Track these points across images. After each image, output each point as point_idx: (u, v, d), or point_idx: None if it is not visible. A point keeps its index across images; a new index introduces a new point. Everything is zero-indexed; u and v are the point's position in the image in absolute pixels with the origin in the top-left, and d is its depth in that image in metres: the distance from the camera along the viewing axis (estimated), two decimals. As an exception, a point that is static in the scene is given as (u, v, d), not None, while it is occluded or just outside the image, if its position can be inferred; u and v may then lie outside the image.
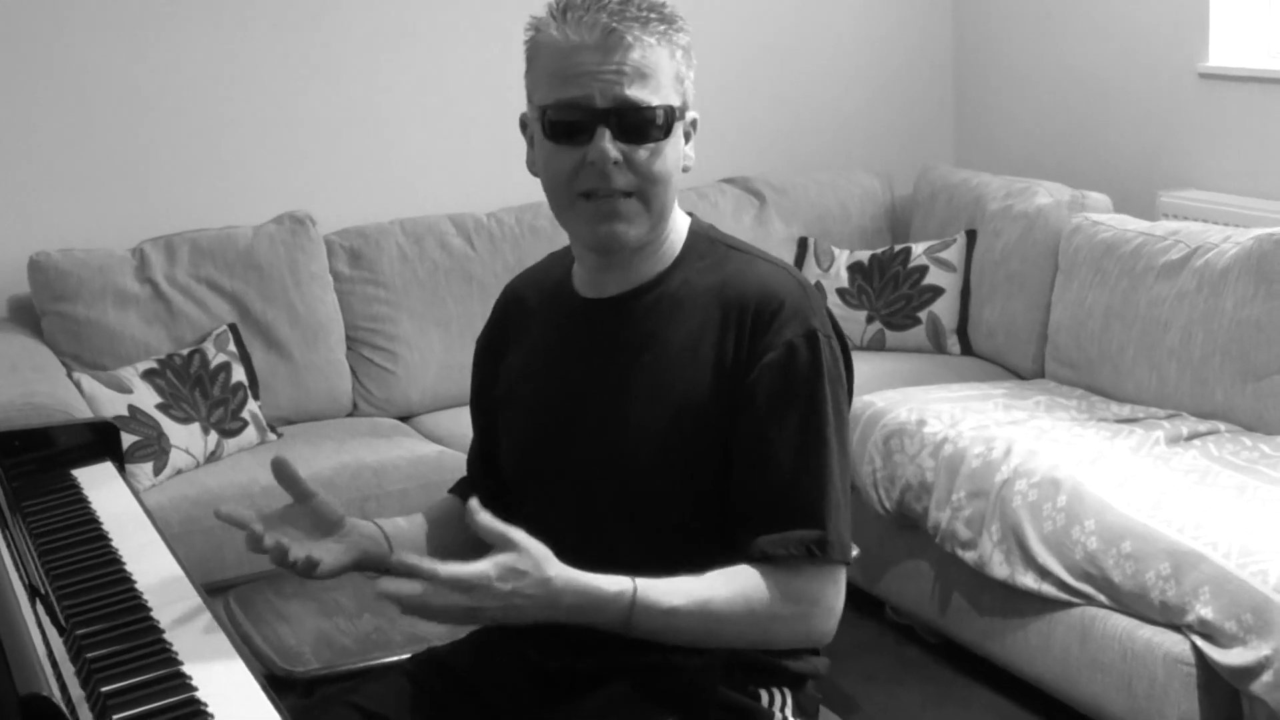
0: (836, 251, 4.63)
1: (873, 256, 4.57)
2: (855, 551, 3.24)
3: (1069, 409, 3.77)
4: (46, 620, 1.73)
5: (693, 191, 4.66)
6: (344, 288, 4.25)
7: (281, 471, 2.01)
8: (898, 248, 4.56)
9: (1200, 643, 2.90)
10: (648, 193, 1.86)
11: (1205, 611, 2.87)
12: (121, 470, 2.62)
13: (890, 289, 4.49)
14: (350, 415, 4.24)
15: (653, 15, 1.84)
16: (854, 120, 5.15)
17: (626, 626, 1.78)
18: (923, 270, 4.46)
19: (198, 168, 4.31)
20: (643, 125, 1.84)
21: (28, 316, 4.07)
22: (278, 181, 4.37)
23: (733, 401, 1.84)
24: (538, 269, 2.14)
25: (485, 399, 2.13)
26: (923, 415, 3.67)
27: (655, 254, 1.92)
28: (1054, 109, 4.91)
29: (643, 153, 1.84)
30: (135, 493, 2.50)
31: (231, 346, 4.01)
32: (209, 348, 3.97)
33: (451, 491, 2.25)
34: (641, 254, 1.92)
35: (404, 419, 4.25)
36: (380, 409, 4.25)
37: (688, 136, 1.90)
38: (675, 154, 1.88)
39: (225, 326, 4.05)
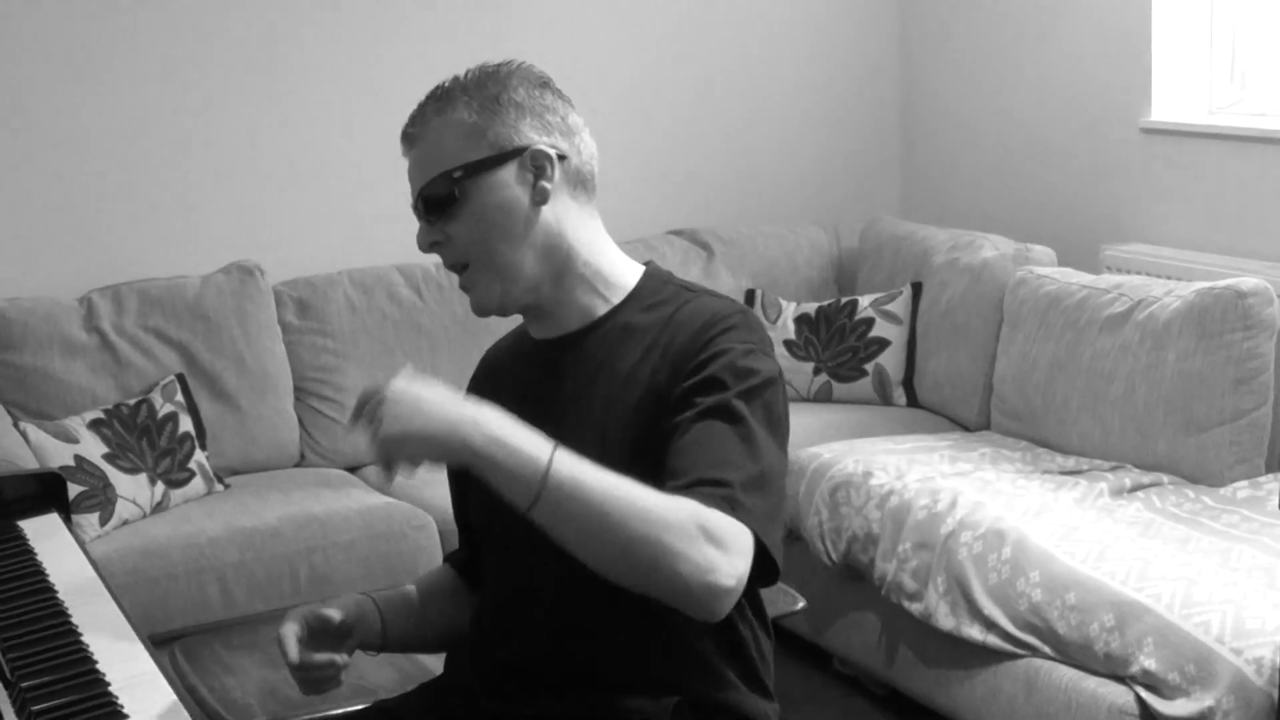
0: (784, 303, 4.66)
1: (819, 309, 4.60)
2: (801, 604, 3.29)
3: (1014, 460, 3.80)
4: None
5: (640, 243, 4.68)
6: (292, 338, 4.25)
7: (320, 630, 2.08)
8: (844, 300, 4.59)
9: (1144, 694, 2.92)
10: (475, 257, 1.90)
11: (1149, 663, 2.90)
12: (68, 521, 2.61)
13: (837, 341, 4.53)
14: (297, 465, 4.23)
15: (429, 106, 1.92)
16: (801, 172, 5.20)
17: (539, 481, 1.67)
18: (869, 322, 4.50)
19: (146, 216, 4.30)
20: (433, 202, 1.89)
21: (-27, 365, 4.05)
22: (227, 230, 4.37)
23: (670, 408, 1.82)
24: (510, 334, 2.14)
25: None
26: (869, 467, 3.69)
27: (588, 295, 1.94)
28: (999, 162, 4.97)
29: (451, 226, 1.89)
30: (81, 544, 2.48)
31: (179, 396, 4.00)
32: (156, 398, 3.95)
33: (446, 560, 2.27)
34: (565, 299, 1.93)
35: (352, 470, 4.24)
36: (328, 459, 4.24)
37: (540, 171, 1.89)
38: (484, 207, 1.88)
39: (173, 376, 4.04)
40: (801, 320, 4.59)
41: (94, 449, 3.74)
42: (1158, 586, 3.00)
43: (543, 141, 1.89)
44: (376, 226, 4.52)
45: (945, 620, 3.32)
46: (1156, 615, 2.92)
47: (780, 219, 5.04)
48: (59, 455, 3.66)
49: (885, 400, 4.46)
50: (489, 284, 1.90)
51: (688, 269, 4.67)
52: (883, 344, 4.47)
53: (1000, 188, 4.97)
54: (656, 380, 1.85)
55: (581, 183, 1.93)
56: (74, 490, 3.61)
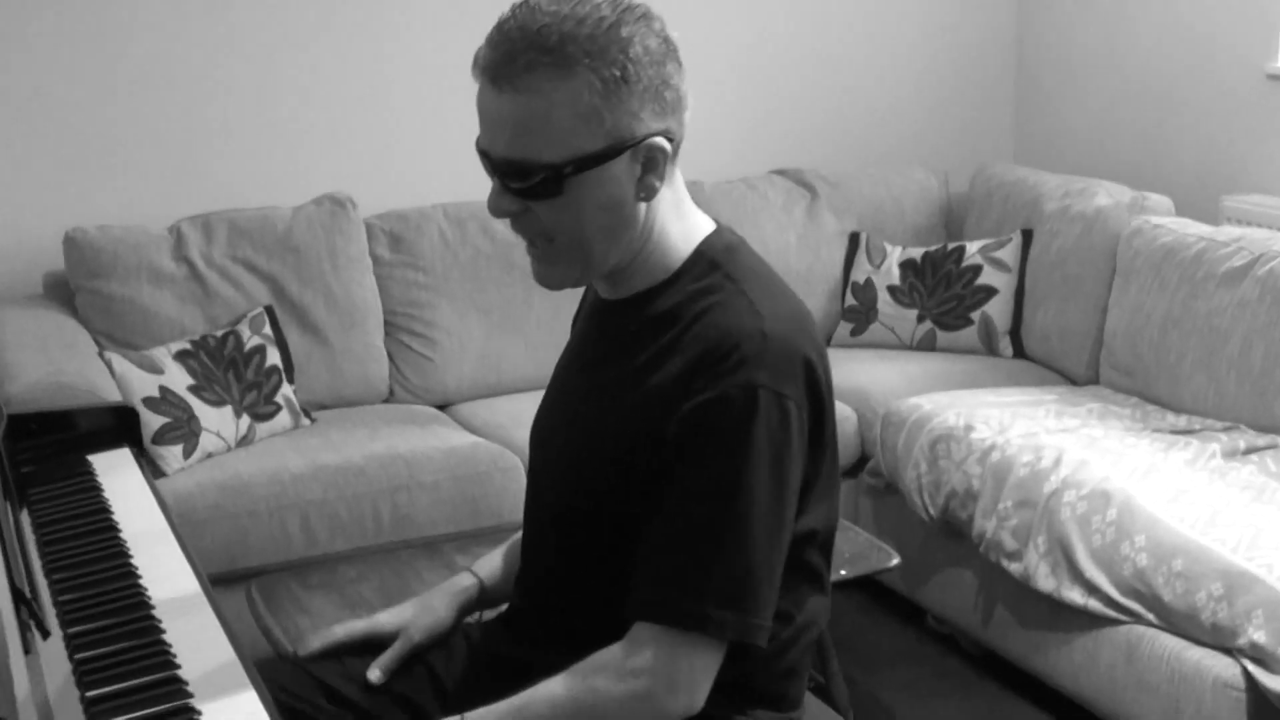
0: (889, 248, 4.51)
1: (925, 254, 4.45)
2: (895, 560, 3.18)
3: (1122, 418, 3.65)
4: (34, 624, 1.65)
5: (742, 182, 4.56)
6: (383, 272, 4.17)
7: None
8: (951, 246, 4.44)
9: (1251, 668, 2.78)
10: (559, 244, 1.73)
11: (1258, 635, 2.76)
12: (140, 456, 2.55)
13: (943, 288, 4.38)
14: (386, 402, 4.17)
15: (544, 60, 1.61)
16: (911, 114, 5.04)
17: None
18: (976, 270, 4.34)
19: (238, 146, 4.25)
20: (527, 184, 1.67)
21: (62, 293, 4.01)
22: (319, 162, 4.29)
23: (662, 438, 1.70)
24: None
25: None
26: (970, 420, 3.56)
27: (642, 269, 1.78)
28: (1116, 108, 4.77)
29: (541, 208, 1.69)
30: (151, 481, 2.42)
31: (267, 329, 3.94)
32: (244, 330, 3.90)
33: None
34: (628, 271, 1.78)
35: (441, 407, 4.17)
36: (417, 396, 4.17)
37: (650, 164, 1.68)
38: (588, 202, 1.67)
39: (261, 309, 3.98)
40: (906, 265, 4.45)
41: (179, 380, 3.69)
42: (1270, 556, 2.85)
43: (659, 128, 1.68)
44: (472, 159, 4.39)
45: (1045, 582, 3.19)
46: (1268, 586, 2.78)
47: (888, 162, 4.89)
48: (143, 386, 3.62)
49: (991, 351, 4.31)
50: (568, 267, 1.76)
51: (791, 210, 4.54)
52: (990, 292, 4.32)
53: (1116, 134, 4.78)
54: (657, 398, 1.71)
55: (676, 155, 1.74)
56: (157, 422, 3.58)
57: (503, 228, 4.26)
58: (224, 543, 3.44)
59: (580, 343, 1.94)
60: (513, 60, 1.63)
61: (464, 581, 2.09)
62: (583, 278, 1.79)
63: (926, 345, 4.38)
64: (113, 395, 3.42)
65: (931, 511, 3.57)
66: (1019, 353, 4.31)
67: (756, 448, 1.65)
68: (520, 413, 3.85)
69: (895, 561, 3.17)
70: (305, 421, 3.93)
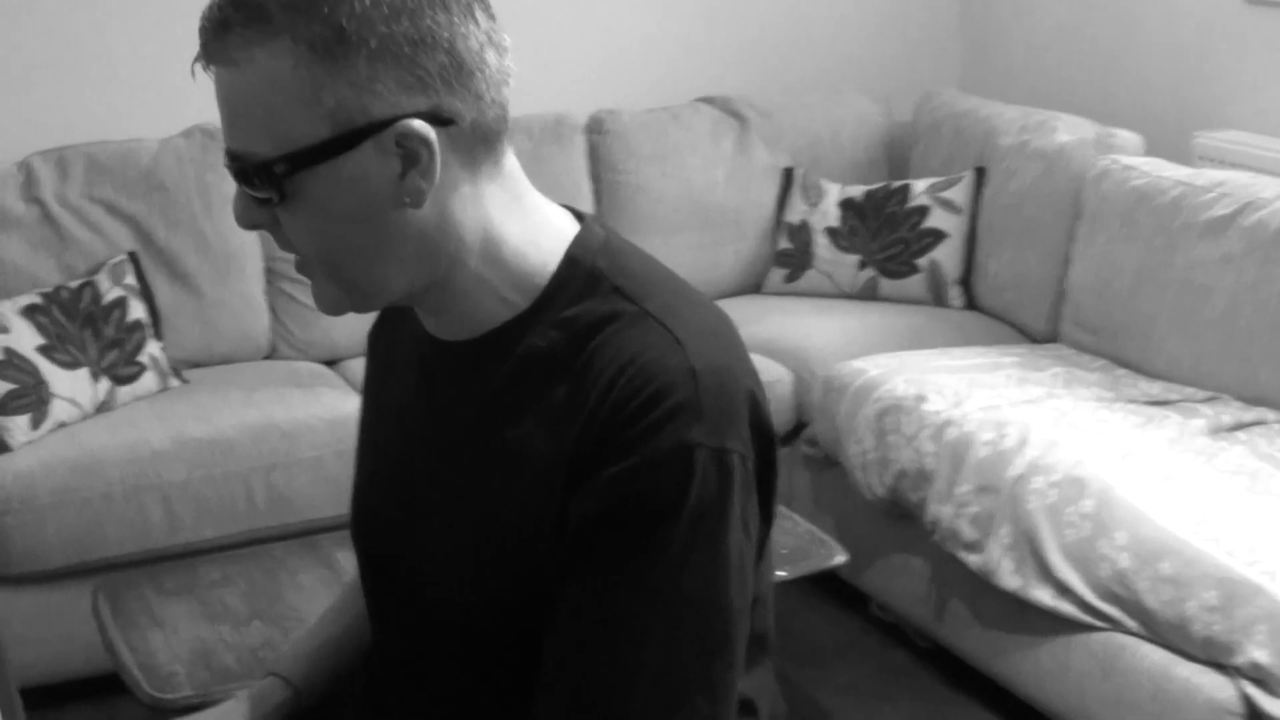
0: (826, 185, 4.10)
1: (868, 193, 4.04)
2: (840, 558, 2.80)
3: (1090, 385, 3.27)
4: None
5: (664, 111, 4.12)
6: (263, 213, 3.71)
7: None
8: (896, 184, 4.03)
9: (1251, 690, 2.43)
10: (311, 265, 1.28)
11: (1259, 654, 2.41)
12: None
13: (886, 230, 3.97)
14: (268, 358, 3.72)
15: (238, 20, 1.19)
16: (849, 35, 4.58)
17: None
18: (923, 211, 3.94)
19: (98, 71, 3.75)
20: (247, 184, 1.24)
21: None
22: (187, 90, 3.79)
23: (563, 525, 1.26)
24: None
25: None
26: (922, 389, 3.17)
27: (475, 296, 1.30)
28: (1078, 31, 4.34)
29: (280, 215, 1.24)
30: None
31: (130, 279, 3.48)
32: (103, 280, 3.43)
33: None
34: (452, 304, 1.31)
35: (330, 363, 3.74)
36: (301, 352, 3.72)
37: (410, 158, 1.21)
38: (319, 215, 1.23)
39: (124, 255, 3.51)
40: (846, 206, 4.04)
41: (27, 340, 3.23)
42: (1272, 561, 2.50)
43: (416, 106, 1.20)
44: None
45: (1009, 579, 2.82)
46: (1270, 598, 2.43)
47: (825, 88, 4.44)
48: (-17, 347, 3.16)
49: (939, 301, 3.92)
50: (329, 289, 1.29)
51: (719, 142, 4.11)
52: (938, 236, 3.92)
53: (1079, 61, 4.35)
54: (549, 473, 1.27)
55: (483, 141, 1.25)
56: (1, 389, 3.13)
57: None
58: (72, 531, 3.01)
59: (411, 399, 1.42)
60: (220, 26, 1.21)
61: (272, 696, 1.58)
62: (361, 304, 1.31)
63: (868, 294, 3.98)
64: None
65: (878, 491, 3.18)
66: (970, 304, 3.92)
67: (689, 528, 1.22)
68: None
69: (840, 559, 2.78)
70: (174, 383, 3.48)
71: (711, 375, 1.24)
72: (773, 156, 4.17)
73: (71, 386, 3.25)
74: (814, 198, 4.09)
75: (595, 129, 4.06)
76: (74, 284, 3.40)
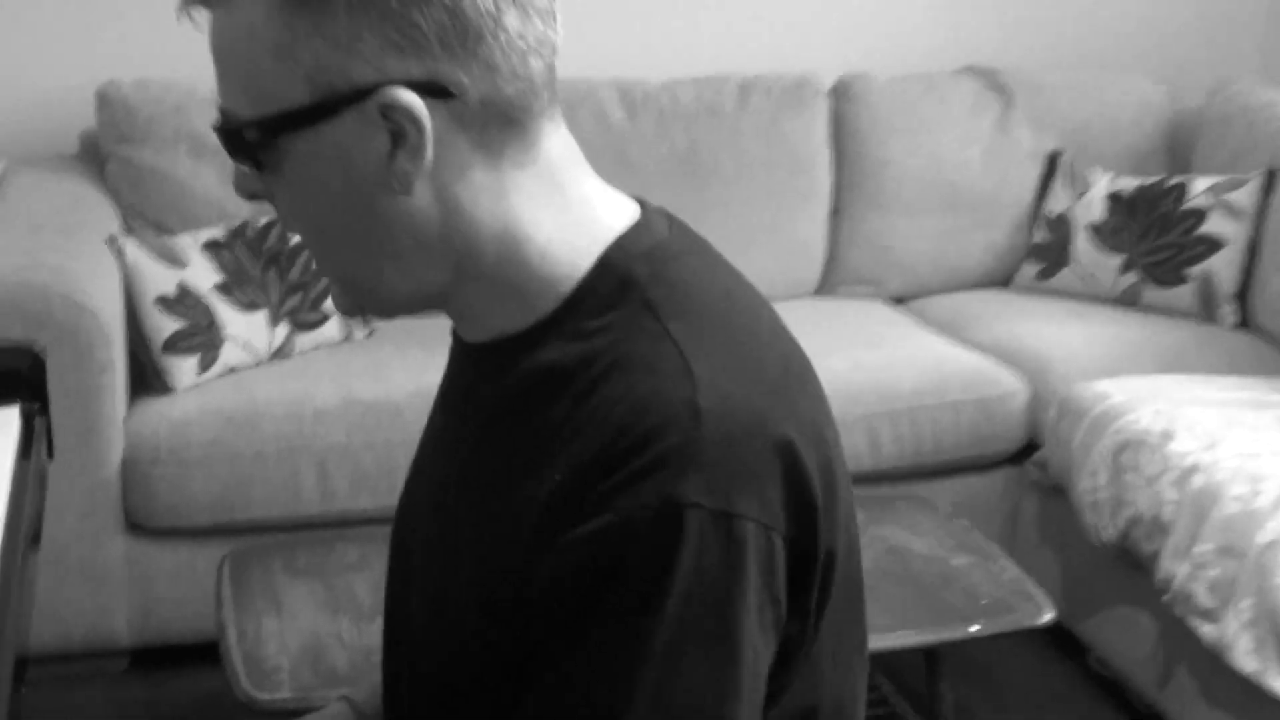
0: (1095, 175, 3.67)
1: (1140, 187, 3.60)
2: (1048, 616, 2.43)
3: (1375, 436, 2.81)
4: None
5: (920, 80, 3.73)
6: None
7: None
8: (1173, 180, 3.58)
9: None
10: (308, 244, 1.08)
11: None
12: (34, 419, 1.91)
13: (1156, 232, 3.53)
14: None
15: None
16: (1135, 9, 4.11)
17: None
18: (1201, 214, 3.49)
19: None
20: (226, 146, 1.03)
21: (97, 156, 3.39)
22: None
23: (529, 586, 0.98)
24: None
25: None
26: (1171, 425, 2.76)
27: (490, 295, 1.05)
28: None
29: (269, 183, 1.03)
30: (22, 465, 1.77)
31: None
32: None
33: None
34: (469, 307, 1.07)
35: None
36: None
37: (398, 136, 0.98)
38: (302, 191, 1.02)
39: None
40: (1115, 200, 3.61)
41: (204, 278, 3.05)
42: None
43: (405, 72, 0.97)
44: (586, 32, 3.66)
45: (1245, 660, 2.41)
46: None
47: (1103, 66, 4.00)
48: (158, 283, 2.99)
49: (1208, 317, 3.47)
50: (336, 290, 1.09)
51: (978, 118, 3.72)
52: (1215, 245, 3.46)
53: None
54: (528, 517, 0.98)
55: (501, 120, 1.00)
56: (170, 327, 2.97)
57: (621, 112, 3.53)
58: (220, 487, 2.82)
59: (442, 402, 1.21)
60: None
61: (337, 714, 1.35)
62: (371, 306, 1.09)
63: (1129, 301, 3.55)
64: (104, 296, 2.79)
65: (1108, 535, 2.79)
66: (1244, 323, 3.46)
67: (676, 616, 0.92)
68: None
69: (1048, 617, 2.41)
70: (359, 334, 3.27)
71: (724, 417, 0.95)
72: (1037, 138, 3.76)
73: (247, 329, 3.07)
74: (1080, 187, 3.67)
75: (841, 94, 3.70)
76: (263, 220, 3.20)
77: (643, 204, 1.11)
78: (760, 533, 0.94)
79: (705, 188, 3.52)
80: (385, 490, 2.87)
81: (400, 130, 0.97)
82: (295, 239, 3.16)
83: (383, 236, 1.02)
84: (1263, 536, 2.45)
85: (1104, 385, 2.95)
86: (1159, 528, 2.65)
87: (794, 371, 1.06)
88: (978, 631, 2.33)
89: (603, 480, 0.93)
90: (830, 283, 3.72)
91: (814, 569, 1.00)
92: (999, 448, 3.18)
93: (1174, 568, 2.59)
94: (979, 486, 3.20)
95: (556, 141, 1.05)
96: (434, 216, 1.01)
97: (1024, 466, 3.17)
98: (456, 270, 1.04)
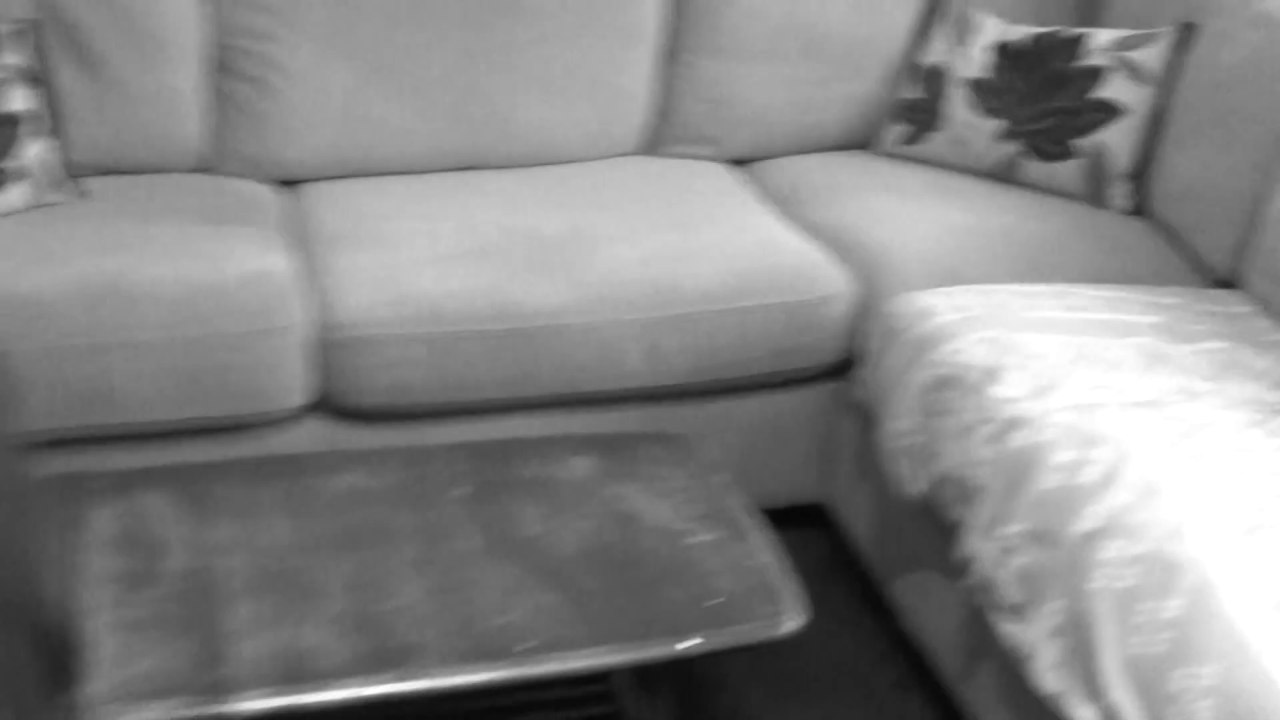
0: (982, 19, 3.06)
1: (1036, 37, 2.98)
2: (790, 625, 1.91)
3: (1256, 376, 2.25)
4: None
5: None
6: (215, -18, 2.88)
7: None
8: (1071, 32, 2.97)
9: None
10: None
11: None
12: None
13: (1046, 93, 2.93)
14: (197, 171, 2.92)
15: None
16: None
17: None
18: (1096, 74, 2.89)
19: None
20: None
21: None
22: None
23: None
24: None
25: None
26: (999, 359, 2.21)
27: None
28: None
29: None
30: None
31: (12, 56, 2.69)
32: (-25, 53, 2.66)
33: None
34: None
35: (290, 183, 2.93)
36: (243, 167, 2.91)
37: None
38: None
39: (17, 24, 2.72)
40: (1002, 51, 3.00)
41: None
42: None
43: None
44: None
45: (1047, 677, 1.91)
46: None
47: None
48: None
49: (1095, 199, 2.89)
50: None
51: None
52: (1113, 111, 2.87)
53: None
54: None
55: None
56: None
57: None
58: None
59: None
60: None
61: None
62: None
63: (1004, 174, 2.97)
64: None
65: (916, 487, 2.26)
66: (1138, 209, 2.89)
67: None
68: (390, 207, 2.63)
69: (789, 627, 1.88)
70: (56, 198, 2.71)
71: None
72: (919, -29, 3.14)
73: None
74: (962, 34, 3.06)
75: (680, -90, 3.08)
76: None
77: None
78: None
79: (509, 23, 2.91)
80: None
81: None
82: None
83: None
84: (1082, 523, 1.91)
85: (930, 298, 2.40)
86: (966, 492, 2.12)
87: None
88: (692, 648, 1.80)
89: None
90: (658, 139, 3.13)
91: None
92: (813, 360, 2.63)
93: (978, 546, 2.07)
94: (786, 405, 2.66)
95: None
96: None
97: (844, 382, 2.63)
98: None
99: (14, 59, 2.68)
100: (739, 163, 3.15)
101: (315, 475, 2.10)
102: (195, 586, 1.83)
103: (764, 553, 1.98)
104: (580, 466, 2.13)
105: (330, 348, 2.44)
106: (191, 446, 2.45)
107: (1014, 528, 2.00)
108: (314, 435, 2.52)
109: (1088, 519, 1.91)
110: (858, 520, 2.61)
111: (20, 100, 2.67)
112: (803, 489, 2.75)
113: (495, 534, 1.96)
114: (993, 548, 2.03)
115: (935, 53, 3.07)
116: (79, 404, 2.36)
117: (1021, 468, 2.03)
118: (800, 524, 2.71)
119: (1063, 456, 2.01)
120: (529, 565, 1.90)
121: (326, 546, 1.93)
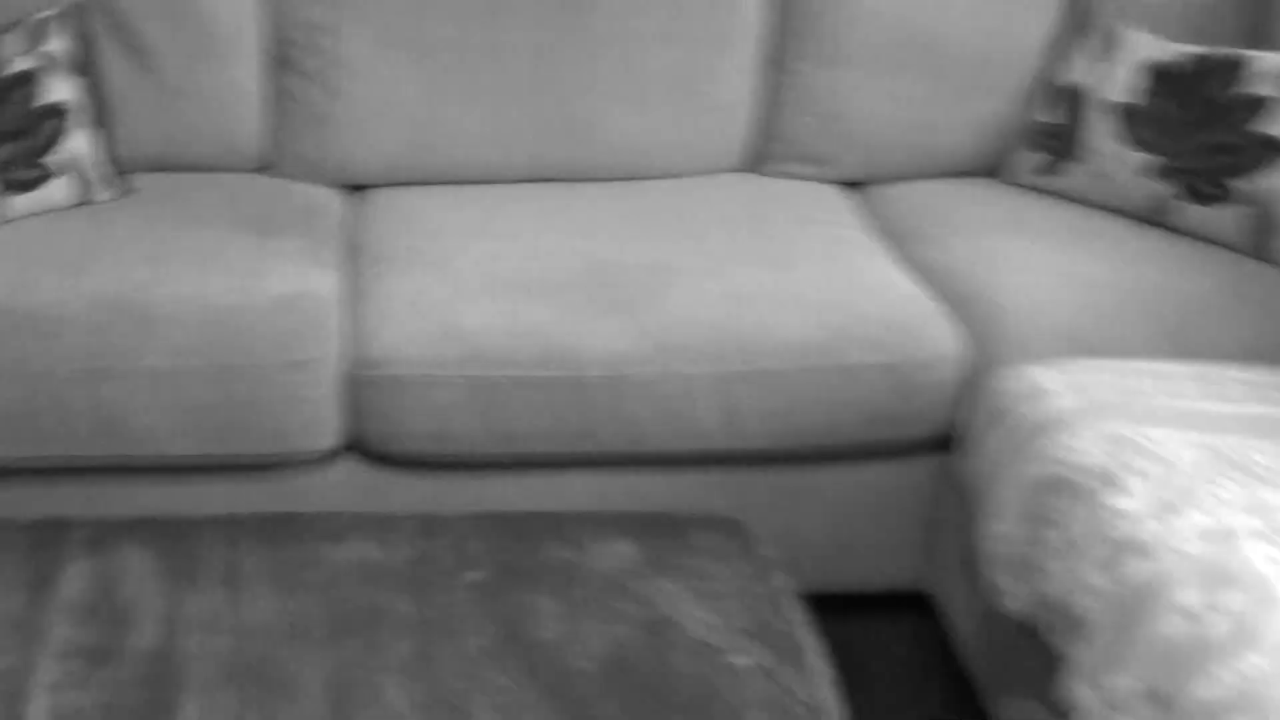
0: (1131, 36, 2.70)
1: (1196, 59, 2.62)
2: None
3: None
4: None
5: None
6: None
7: None
8: (1234, 53, 2.60)
9: None
10: None
11: None
12: None
13: (1207, 125, 2.57)
14: (259, 171, 2.70)
15: None
16: None
17: None
18: (1258, 104, 2.52)
19: None
20: None
21: None
22: None
23: None
24: None
25: None
26: (1121, 461, 1.88)
27: None
28: None
29: None
30: None
31: (53, 44, 2.47)
32: (8, 43, 2.45)
33: None
34: None
35: (357, 188, 2.70)
36: (304, 169, 2.69)
37: None
38: None
39: (54, 11, 2.51)
40: (1156, 73, 2.64)
41: None
42: None
43: None
44: None
45: None
46: None
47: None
48: None
49: (1257, 250, 2.53)
50: None
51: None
52: (1277, 148, 2.51)
53: None
54: None
55: None
56: None
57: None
58: None
59: None
60: None
61: None
62: None
63: (1152, 216, 2.62)
64: None
65: (1016, 602, 1.95)
66: (1307, 266, 2.53)
67: None
68: (454, 222, 2.38)
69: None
70: (99, 195, 2.50)
71: None
72: (1068, -23, 2.80)
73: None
74: (1109, 50, 2.70)
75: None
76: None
77: None
78: None
79: (590, 23, 2.63)
80: (16, 442, 2.13)
81: None
82: (13, 69, 2.38)
83: None
84: (1204, 690, 1.59)
85: (1045, 374, 2.07)
86: (1072, 623, 1.81)
87: None
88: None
89: None
90: (762, 156, 2.83)
91: None
92: (915, 430, 2.31)
93: (1083, 694, 1.75)
94: (884, 477, 2.35)
95: None
96: None
97: (950, 455, 2.32)
98: None
99: (57, 45, 2.46)
100: (851, 185, 2.84)
101: (316, 541, 1.87)
102: (157, 673, 1.64)
103: (822, 686, 1.69)
104: (615, 554, 1.85)
105: (362, 385, 2.19)
106: (206, 486, 2.24)
107: (1124, 680, 1.69)
108: (343, 481, 2.28)
109: (1214, 684, 1.59)
110: (962, 617, 2.30)
111: (65, 90, 2.47)
112: (902, 574, 2.44)
113: (505, 633, 1.71)
114: (1098, 700, 1.72)
115: (1075, 71, 2.72)
116: (84, 432, 2.16)
117: (1137, 604, 1.71)
118: (903, 611, 2.42)
119: (1188, 597, 1.68)
120: (537, 677, 1.64)
121: (313, 633, 1.71)
